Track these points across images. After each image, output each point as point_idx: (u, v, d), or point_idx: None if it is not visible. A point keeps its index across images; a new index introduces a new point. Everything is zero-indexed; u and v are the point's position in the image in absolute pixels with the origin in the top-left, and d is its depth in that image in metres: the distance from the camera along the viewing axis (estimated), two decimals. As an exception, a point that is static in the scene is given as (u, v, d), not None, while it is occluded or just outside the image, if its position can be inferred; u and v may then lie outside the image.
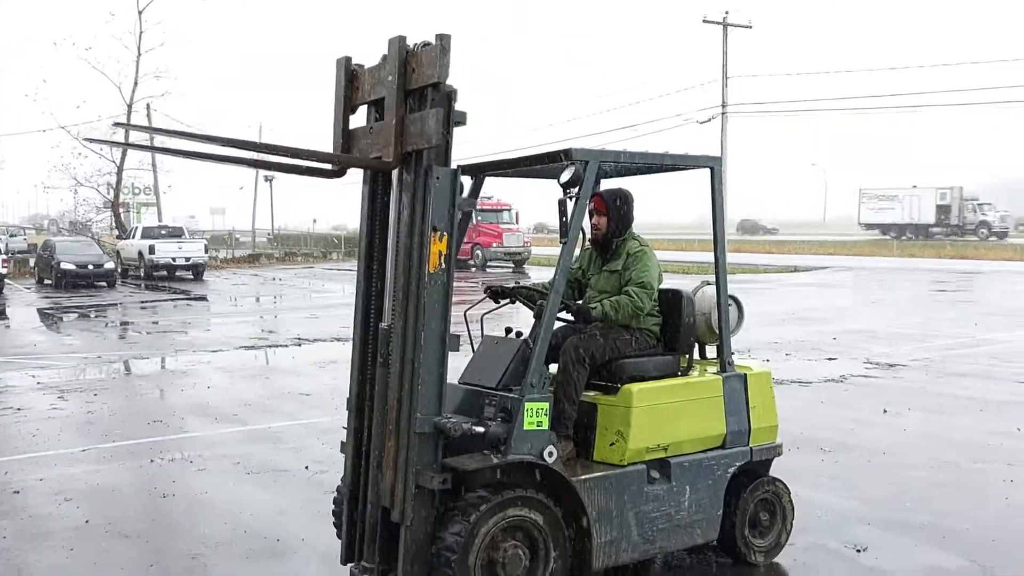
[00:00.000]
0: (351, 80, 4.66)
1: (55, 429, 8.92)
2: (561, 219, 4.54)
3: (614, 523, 4.65)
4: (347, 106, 4.68)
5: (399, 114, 4.32)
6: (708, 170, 5.20)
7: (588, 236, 5.26)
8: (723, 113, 32.89)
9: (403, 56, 4.33)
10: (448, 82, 4.20)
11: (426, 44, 4.26)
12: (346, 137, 4.70)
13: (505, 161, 5.15)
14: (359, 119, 4.74)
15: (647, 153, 5.00)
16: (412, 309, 4.31)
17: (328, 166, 4.63)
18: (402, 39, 4.34)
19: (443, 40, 4.16)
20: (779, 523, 5.39)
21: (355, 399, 4.70)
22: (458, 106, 4.24)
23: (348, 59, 4.68)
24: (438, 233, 4.24)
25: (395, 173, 4.48)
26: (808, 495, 6.28)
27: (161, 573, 5.24)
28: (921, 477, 7.13)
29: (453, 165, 4.31)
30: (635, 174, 5.43)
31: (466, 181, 5.19)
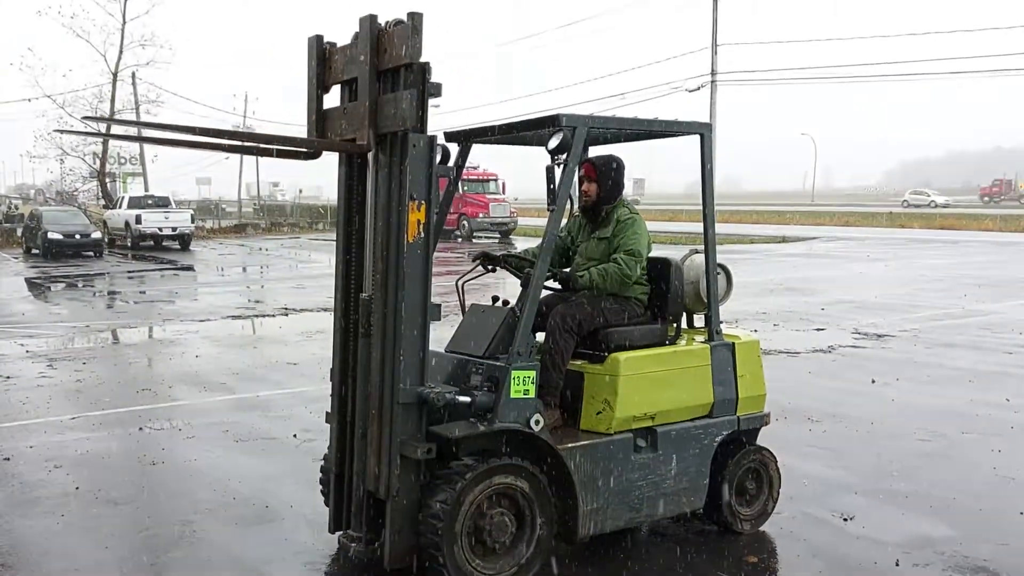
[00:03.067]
0: (323, 59, 4.58)
1: (44, 397, 8.90)
2: (549, 186, 4.50)
3: (600, 491, 4.66)
4: (320, 85, 4.60)
5: (372, 95, 4.26)
6: (698, 137, 5.16)
7: (577, 203, 5.23)
8: (712, 81, 32.71)
9: (375, 35, 4.25)
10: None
11: (398, 23, 4.18)
12: (320, 117, 4.63)
13: (492, 128, 5.10)
14: (333, 98, 4.67)
15: (636, 119, 4.95)
16: (392, 279, 4.28)
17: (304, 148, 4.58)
18: (373, 17, 4.26)
19: (414, 19, 4.09)
20: (765, 492, 5.41)
21: (338, 370, 4.68)
22: (437, 77, 4.17)
23: (319, 38, 4.59)
24: (416, 202, 4.18)
25: (371, 154, 4.42)
26: (796, 464, 6.31)
27: (152, 539, 5.23)
28: (909, 447, 7.16)
29: (435, 132, 4.27)
30: (624, 141, 5.39)
31: (453, 148, 5.16)
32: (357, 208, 4.59)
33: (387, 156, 4.31)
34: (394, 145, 4.27)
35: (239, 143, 4.34)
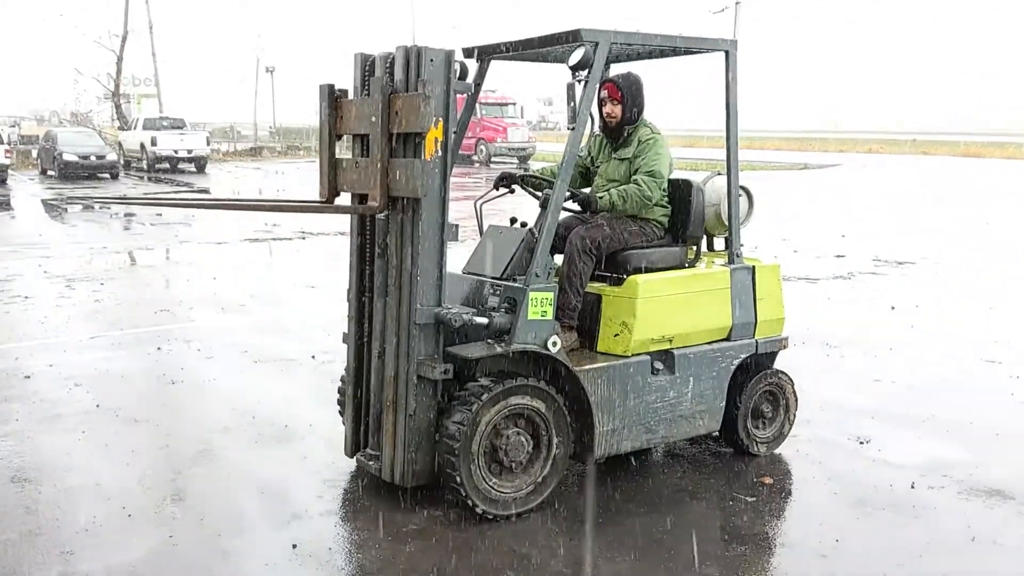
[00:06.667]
0: (335, 108, 4.57)
1: (63, 317, 8.96)
2: (569, 104, 4.40)
3: (616, 412, 4.67)
4: (332, 135, 4.62)
5: (384, 158, 4.25)
6: (723, 54, 5.03)
7: (597, 122, 5.12)
8: (737, 3, 32.03)
9: (386, 97, 4.21)
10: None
11: (407, 90, 4.15)
12: (332, 166, 4.64)
13: (511, 43, 4.97)
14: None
15: (660, 35, 4.81)
16: (409, 198, 4.24)
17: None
18: (384, 81, 4.22)
19: (426, 87, 4.05)
20: (781, 415, 5.41)
21: (355, 290, 4.67)
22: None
23: (331, 87, 4.58)
24: (434, 119, 4.12)
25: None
26: (812, 389, 6.29)
27: (172, 455, 5.29)
28: (926, 372, 7.14)
29: (452, 48, 4.17)
30: (646, 58, 5.26)
31: (471, 65, 5.04)
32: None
33: (398, 216, 4.31)
34: (405, 206, 4.27)
35: (262, 209, 4.40)
